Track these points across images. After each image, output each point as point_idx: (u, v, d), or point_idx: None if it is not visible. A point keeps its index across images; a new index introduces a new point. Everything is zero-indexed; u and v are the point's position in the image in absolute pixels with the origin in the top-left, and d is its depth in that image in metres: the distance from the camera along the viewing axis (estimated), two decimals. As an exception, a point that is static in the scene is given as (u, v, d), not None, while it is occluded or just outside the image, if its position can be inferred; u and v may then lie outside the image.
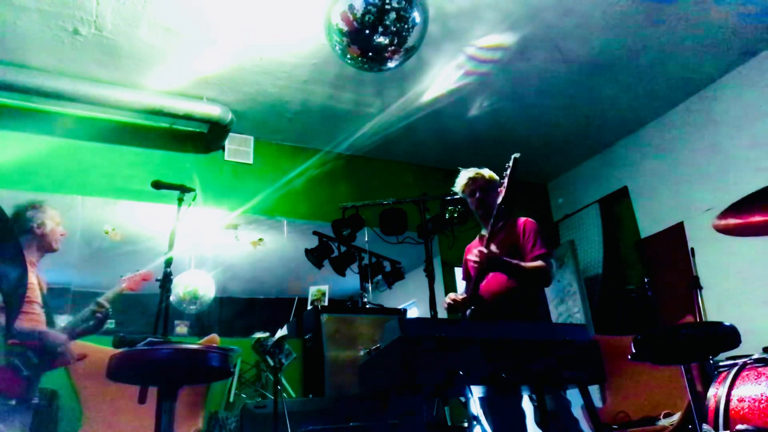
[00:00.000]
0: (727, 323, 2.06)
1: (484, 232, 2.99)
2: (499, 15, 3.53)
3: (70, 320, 2.71)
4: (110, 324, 3.95)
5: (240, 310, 5.76)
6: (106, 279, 3.05)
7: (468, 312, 2.78)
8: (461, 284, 3.27)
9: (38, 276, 2.78)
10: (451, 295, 2.90)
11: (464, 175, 3.02)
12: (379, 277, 4.53)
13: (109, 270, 3.31)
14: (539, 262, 2.77)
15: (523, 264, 2.76)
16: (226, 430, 3.38)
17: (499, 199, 2.74)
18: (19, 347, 2.45)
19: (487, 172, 2.99)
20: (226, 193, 4.48)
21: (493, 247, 2.70)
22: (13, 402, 2.40)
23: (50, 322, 2.70)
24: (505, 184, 2.70)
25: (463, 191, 3.02)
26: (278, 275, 5.76)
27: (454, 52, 3.86)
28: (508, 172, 2.69)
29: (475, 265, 2.74)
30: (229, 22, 3.46)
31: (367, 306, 4.21)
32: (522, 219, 2.95)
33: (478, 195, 2.95)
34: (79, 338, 2.74)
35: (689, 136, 4.60)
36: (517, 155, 2.69)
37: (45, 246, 2.80)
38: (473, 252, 2.77)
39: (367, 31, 2.75)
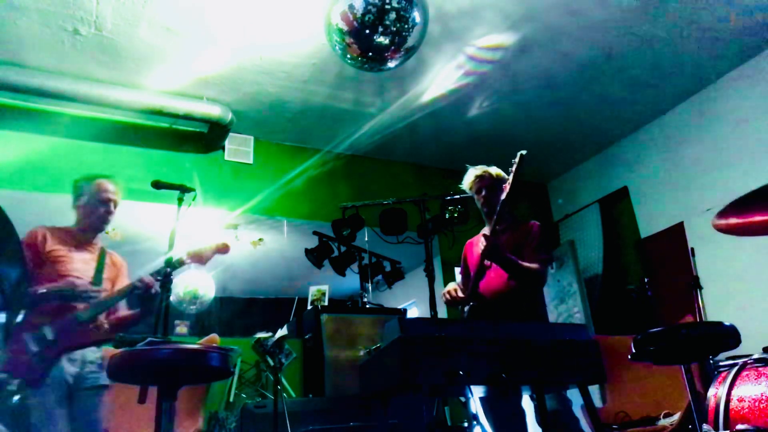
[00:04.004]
0: (727, 323, 2.06)
1: (486, 230, 3.00)
2: (499, 15, 3.54)
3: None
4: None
5: (240, 310, 5.76)
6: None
7: (467, 308, 2.80)
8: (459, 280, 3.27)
9: (112, 256, 2.67)
10: (451, 287, 2.91)
11: (471, 173, 3.04)
12: (379, 277, 4.54)
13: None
14: (535, 264, 2.79)
15: (520, 261, 2.78)
16: (226, 430, 3.38)
17: (503, 196, 2.76)
18: (35, 323, 2.12)
19: (494, 170, 3.01)
20: (226, 193, 4.47)
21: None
22: (15, 384, 2.02)
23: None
24: (510, 181, 2.71)
25: (470, 188, 3.05)
26: (278, 275, 5.77)
27: (454, 52, 3.86)
28: (514, 168, 2.70)
29: (480, 251, 2.75)
30: (229, 22, 3.46)
31: (367, 306, 4.22)
32: (533, 222, 2.97)
33: (484, 193, 2.97)
34: (117, 328, 2.51)
35: (689, 136, 4.60)
36: (523, 152, 2.69)
37: (84, 222, 2.61)
38: (480, 240, 2.79)
39: (367, 31, 2.75)
